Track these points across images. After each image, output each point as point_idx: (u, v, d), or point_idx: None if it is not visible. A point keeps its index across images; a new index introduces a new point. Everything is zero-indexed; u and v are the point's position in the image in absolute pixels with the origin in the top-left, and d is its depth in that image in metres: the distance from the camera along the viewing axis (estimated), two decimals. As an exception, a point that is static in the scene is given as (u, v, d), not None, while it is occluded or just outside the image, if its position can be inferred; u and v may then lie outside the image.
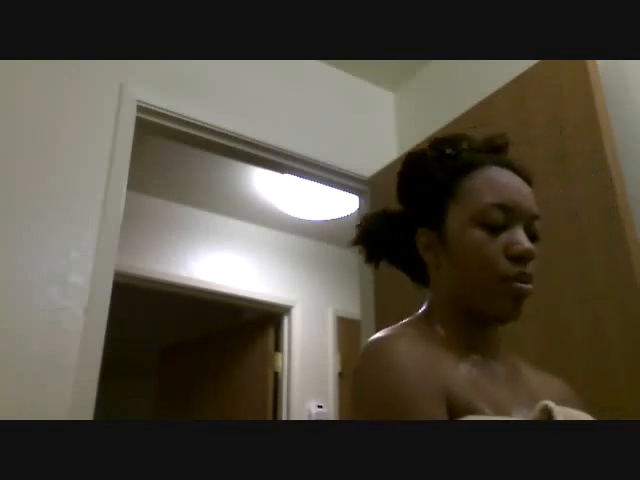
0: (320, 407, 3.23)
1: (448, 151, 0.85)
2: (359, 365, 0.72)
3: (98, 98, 1.82)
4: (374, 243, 0.90)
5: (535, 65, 1.67)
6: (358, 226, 0.91)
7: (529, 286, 0.76)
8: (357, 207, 2.41)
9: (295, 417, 3.14)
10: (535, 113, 1.64)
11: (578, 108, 1.51)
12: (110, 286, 1.65)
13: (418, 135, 2.13)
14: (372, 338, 0.74)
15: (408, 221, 0.86)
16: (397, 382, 0.67)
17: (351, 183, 2.32)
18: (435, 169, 0.84)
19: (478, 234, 0.77)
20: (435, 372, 0.70)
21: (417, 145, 2.06)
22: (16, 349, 1.46)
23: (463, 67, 2.18)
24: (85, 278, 1.61)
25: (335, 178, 2.28)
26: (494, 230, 0.77)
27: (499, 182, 0.80)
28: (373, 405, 0.69)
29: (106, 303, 1.63)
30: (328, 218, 3.30)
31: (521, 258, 0.76)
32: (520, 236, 0.77)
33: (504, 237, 0.77)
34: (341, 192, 2.46)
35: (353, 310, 2.91)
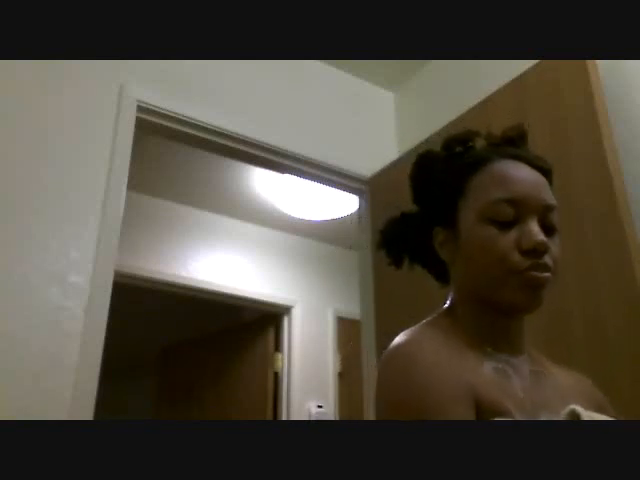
0: (320, 407, 3.22)
1: (457, 149, 0.85)
2: (384, 372, 0.72)
3: (98, 98, 1.82)
4: (396, 246, 0.90)
5: (535, 65, 1.66)
6: (381, 231, 0.92)
7: (546, 274, 0.74)
8: (357, 207, 2.41)
9: (295, 417, 3.14)
10: (535, 113, 1.64)
11: (578, 108, 1.51)
12: (110, 286, 1.65)
13: (418, 135, 2.12)
14: (395, 343, 0.74)
15: (425, 221, 0.87)
16: (424, 388, 0.67)
17: (351, 183, 2.31)
18: (443, 169, 0.84)
19: (488, 230, 0.76)
20: (461, 374, 0.69)
21: (417, 145, 2.06)
22: (16, 349, 1.46)
23: (463, 67, 2.18)
24: (85, 278, 1.60)
25: (335, 178, 2.28)
26: (505, 225, 0.76)
27: (506, 176, 0.78)
28: (400, 412, 0.68)
29: (106, 303, 1.63)
30: (328, 218, 3.30)
31: (533, 251, 0.74)
32: (532, 228, 0.75)
33: (516, 231, 0.75)
34: (341, 192, 2.46)
35: (353, 310, 2.91)
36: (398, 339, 0.74)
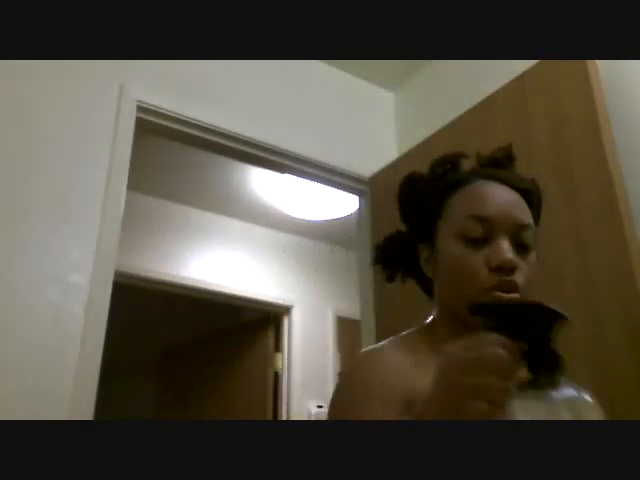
0: (320, 407, 3.22)
1: (440, 171, 0.88)
2: (341, 373, 0.81)
3: (98, 98, 1.81)
4: (390, 262, 0.93)
5: (535, 65, 1.66)
6: (376, 247, 0.95)
7: (513, 295, 0.75)
8: (357, 207, 2.41)
9: (295, 417, 3.14)
10: (535, 113, 1.64)
11: (578, 108, 1.51)
12: (110, 286, 1.65)
13: (418, 135, 2.12)
14: (362, 350, 0.83)
15: (413, 238, 0.90)
16: (352, 386, 0.76)
17: (351, 183, 2.31)
18: (425, 190, 0.88)
19: (460, 248, 0.79)
20: (403, 379, 0.74)
21: (417, 145, 2.06)
22: (16, 349, 1.46)
23: (463, 67, 2.18)
24: (85, 278, 1.60)
25: (335, 178, 2.28)
26: (475, 243, 0.78)
27: (478, 195, 0.81)
28: (336, 408, 0.76)
29: (106, 303, 1.62)
30: (328, 218, 3.30)
31: (500, 268, 0.76)
32: (500, 246, 0.77)
33: (486, 249, 0.78)
34: (341, 192, 2.46)
35: (353, 310, 2.91)
36: (364, 349, 0.83)
